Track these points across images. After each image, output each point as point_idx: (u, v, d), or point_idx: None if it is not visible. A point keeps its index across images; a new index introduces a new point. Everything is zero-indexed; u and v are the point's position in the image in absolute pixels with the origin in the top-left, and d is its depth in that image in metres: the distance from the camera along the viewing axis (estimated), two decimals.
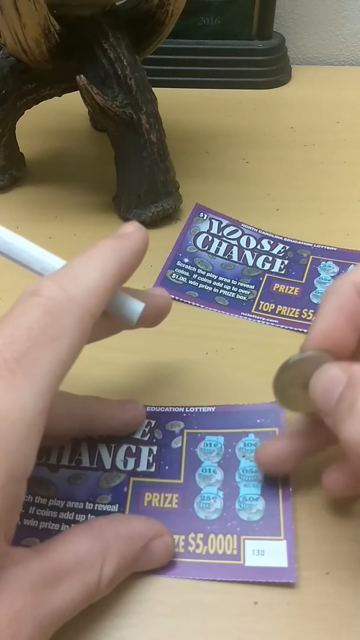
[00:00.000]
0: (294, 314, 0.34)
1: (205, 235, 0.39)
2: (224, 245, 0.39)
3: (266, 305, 0.35)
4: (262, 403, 0.28)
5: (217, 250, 0.39)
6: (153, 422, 0.28)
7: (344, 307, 0.22)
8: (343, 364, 0.21)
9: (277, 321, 0.34)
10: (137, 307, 0.23)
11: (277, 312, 0.35)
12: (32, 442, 0.18)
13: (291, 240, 0.40)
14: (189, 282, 0.36)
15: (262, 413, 0.28)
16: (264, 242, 0.39)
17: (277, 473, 0.25)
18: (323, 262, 0.38)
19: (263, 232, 0.40)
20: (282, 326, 0.34)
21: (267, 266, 0.38)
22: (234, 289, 0.36)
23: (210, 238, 0.39)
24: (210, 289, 0.36)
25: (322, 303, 0.23)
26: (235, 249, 0.39)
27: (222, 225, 0.40)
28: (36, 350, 0.18)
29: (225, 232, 0.40)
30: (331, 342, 0.22)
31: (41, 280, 0.20)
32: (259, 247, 0.39)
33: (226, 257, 0.38)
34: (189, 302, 0.35)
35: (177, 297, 0.35)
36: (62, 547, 0.20)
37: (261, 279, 0.37)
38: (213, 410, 0.29)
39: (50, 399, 0.19)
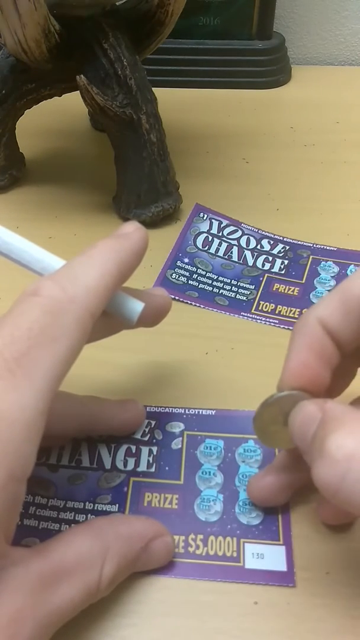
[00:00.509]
0: (294, 314, 0.34)
1: (205, 235, 0.39)
2: (224, 245, 0.39)
3: (266, 305, 0.35)
4: None
5: (217, 250, 0.39)
6: (153, 423, 0.28)
7: (312, 345, 0.22)
8: (319, 401, 0.21)
9: (277, 321, 0.34)
10: (137, 306, 0.23)
11: (277, 312, 0.35)
12: (32, 442, 0.18)
13: (291, 240, 0.40)
14: (189, 282, 0.36)
15: None
16: (264, 242, 0.39)
17: (274, 505, 0.25)
18: (323, 262, 0.38)
19: (263, 232, 0.40)
20: (282, 326, 0.34)
21: (267, 266, 0.38)
22: (234, 289, 0.36)
23: (210, 238, 0.39)
24: (210, 289, 0.36)
25: (290, 341, 0.23)
26: (235, 249, 0.39)
27: (222, 225, 0.40)
28: (36, 350, 0.18)
29: (225, 232, 0.40)
30: (305, 380, 0.22)
31: (41, 280, 0.20)
32: (259, 247, 0.39)
33: (226, 257, 0.38)
34: (189, 302, 0.35)
35: (177, 297, 0.35)
36: (62, 547, 0.20)
37: (261, 279, 0.37)
38: (213, 413, 0.29)
39: (50, 399, 0.19)
